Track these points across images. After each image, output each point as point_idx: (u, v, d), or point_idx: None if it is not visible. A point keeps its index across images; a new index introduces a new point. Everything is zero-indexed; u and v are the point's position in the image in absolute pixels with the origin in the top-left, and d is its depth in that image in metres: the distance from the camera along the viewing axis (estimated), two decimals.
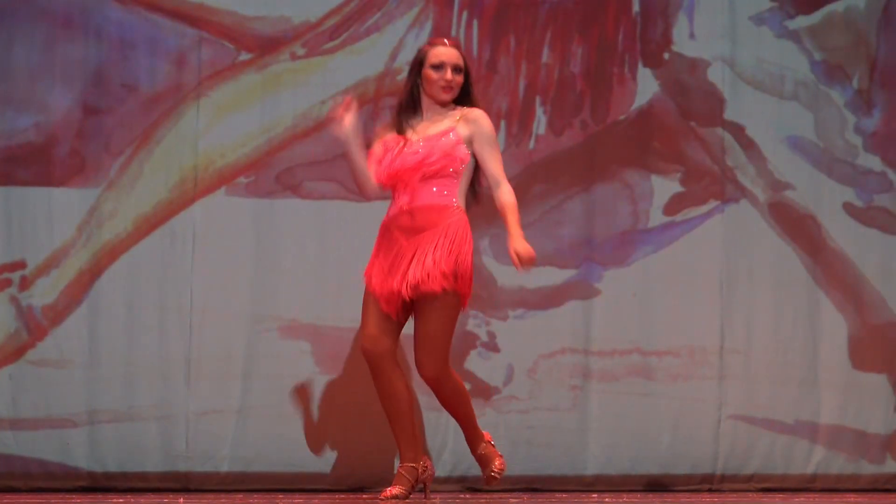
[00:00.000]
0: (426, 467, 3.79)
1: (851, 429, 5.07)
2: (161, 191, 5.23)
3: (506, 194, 3.64)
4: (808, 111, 5.18)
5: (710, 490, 4.90)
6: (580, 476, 4.88)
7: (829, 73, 5.23)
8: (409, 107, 3.73)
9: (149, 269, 5.20)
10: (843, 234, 5.15)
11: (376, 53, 5.28)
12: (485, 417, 4.83)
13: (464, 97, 3.76)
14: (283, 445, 4.63)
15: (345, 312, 5.07)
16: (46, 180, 5.06)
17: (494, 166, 3.68)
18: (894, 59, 5.25)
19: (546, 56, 5.21)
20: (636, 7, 5.19)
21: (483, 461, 3.70)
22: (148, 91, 5.21)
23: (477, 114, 3.70)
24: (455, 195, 3.63)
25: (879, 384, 5.07)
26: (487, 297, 5.09)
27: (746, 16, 5.18)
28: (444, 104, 3.69)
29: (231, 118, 5.36)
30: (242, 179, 5.38)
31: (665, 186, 5.12)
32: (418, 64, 3.65)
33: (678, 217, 5.12)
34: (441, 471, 5.00)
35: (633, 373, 5.01)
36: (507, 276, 5.06)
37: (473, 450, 3.72)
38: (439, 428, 5.07)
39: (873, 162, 5.17)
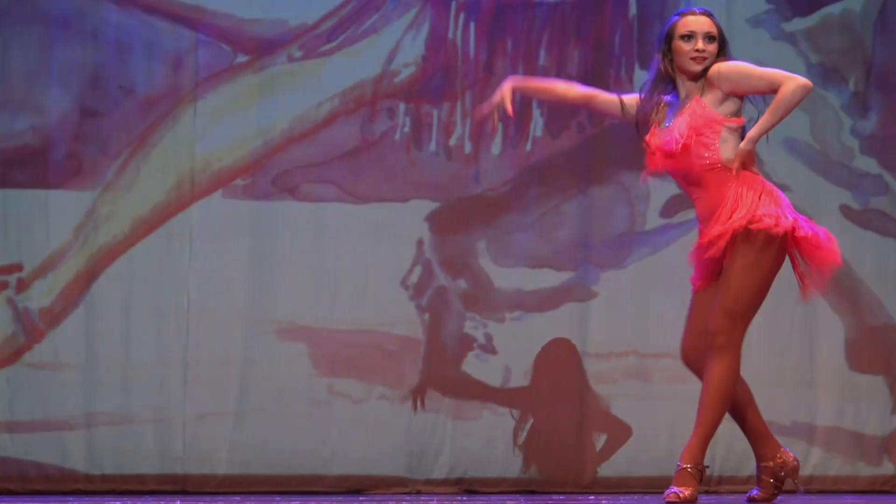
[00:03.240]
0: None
1: (848, 430, 5.06)
2: (158, 193, 5.21)
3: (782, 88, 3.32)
4: (804, 114, 4.99)
5: (707, 492, 4.78)
6: (579, 481, 4.91)
7: (826, 76, 5.14)
8: (661, 85, 3.42)
9: (145, 271, 5.18)
10: (840, 236, 4.75)
11: (373, 56, 5.26)
12: (482, 419, 4.98)
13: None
14: (281, 448, 4.63)
15: (342, 315, 5.09)
16: (43, 183, 5.05)
17: (763, 82, 3.39)
18: (890, 61, 5.19)
19: (543, 58, 5.20)
20: (633, 10, 5.16)
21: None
22: (145, 93, 5.19)
23: (716, 68, 3.35)
24: (716, 152, 3.34)
25: (876, 386, 5.04)
26: (485, 298, 5.11)
27: (743, 18, 5.13)
28: (695, 77, 3.35)
29: (228, 120, 5.35)
30: (239, 182, 5.35)
31: (662, 189, 4.99)
32: (668, 38, 3.35)
33: (675, 219, 4.97)
34: (438, 473, 5.03)
35: (629, 375, 4.99)
36: (504, 279, 5.12)
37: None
38: (437, 429, 5.06)
39: (869, 164, 5.11)
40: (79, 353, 5.05)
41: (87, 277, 5.14)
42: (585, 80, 4.99)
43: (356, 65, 5.17)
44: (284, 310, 5.09)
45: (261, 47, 5.24)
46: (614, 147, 5.16)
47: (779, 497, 3.57)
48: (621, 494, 4.78)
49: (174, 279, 5.15)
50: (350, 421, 4.93)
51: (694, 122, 3.29)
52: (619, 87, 5.03)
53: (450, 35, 5.25)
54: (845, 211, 5.08)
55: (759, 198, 3.30)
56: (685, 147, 3.26)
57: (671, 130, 3.35)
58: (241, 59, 5.30)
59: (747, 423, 3.51)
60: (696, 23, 3.32)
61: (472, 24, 5.25)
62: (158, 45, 5.30)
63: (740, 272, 3.25)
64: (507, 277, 5.07)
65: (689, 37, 3.31)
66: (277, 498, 4.27)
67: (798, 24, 5.16)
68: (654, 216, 5.03)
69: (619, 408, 5.00)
